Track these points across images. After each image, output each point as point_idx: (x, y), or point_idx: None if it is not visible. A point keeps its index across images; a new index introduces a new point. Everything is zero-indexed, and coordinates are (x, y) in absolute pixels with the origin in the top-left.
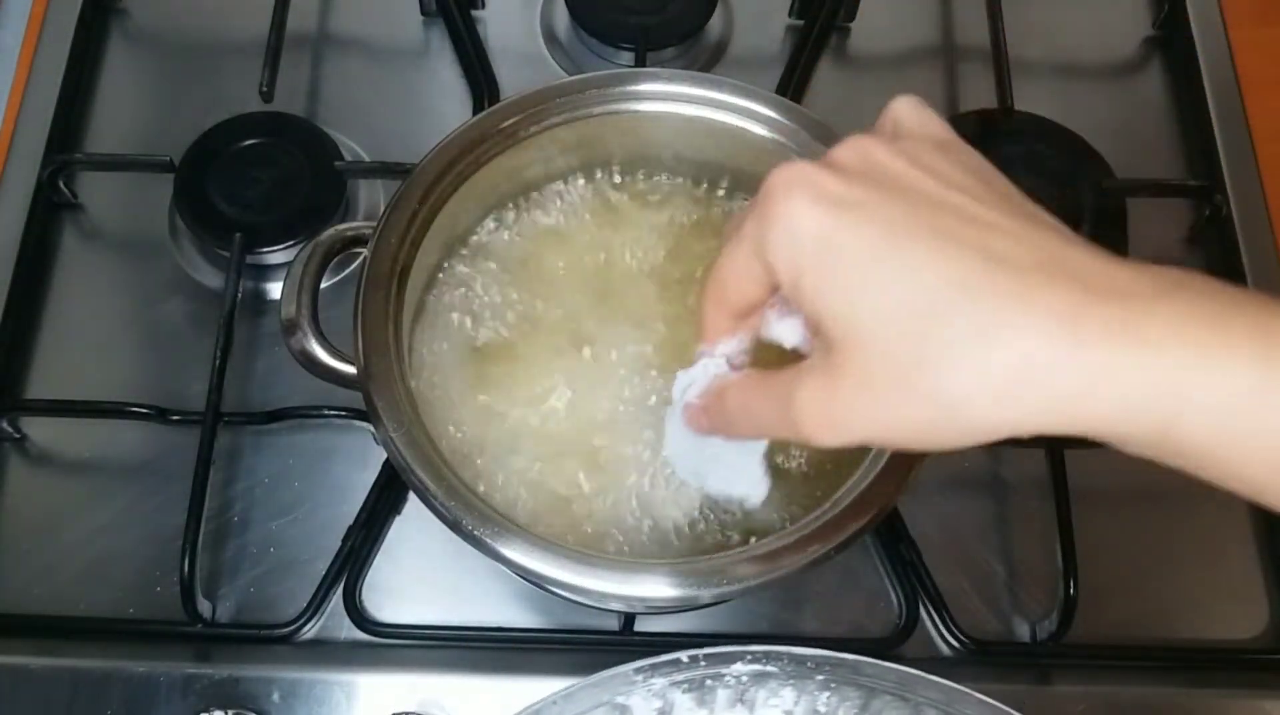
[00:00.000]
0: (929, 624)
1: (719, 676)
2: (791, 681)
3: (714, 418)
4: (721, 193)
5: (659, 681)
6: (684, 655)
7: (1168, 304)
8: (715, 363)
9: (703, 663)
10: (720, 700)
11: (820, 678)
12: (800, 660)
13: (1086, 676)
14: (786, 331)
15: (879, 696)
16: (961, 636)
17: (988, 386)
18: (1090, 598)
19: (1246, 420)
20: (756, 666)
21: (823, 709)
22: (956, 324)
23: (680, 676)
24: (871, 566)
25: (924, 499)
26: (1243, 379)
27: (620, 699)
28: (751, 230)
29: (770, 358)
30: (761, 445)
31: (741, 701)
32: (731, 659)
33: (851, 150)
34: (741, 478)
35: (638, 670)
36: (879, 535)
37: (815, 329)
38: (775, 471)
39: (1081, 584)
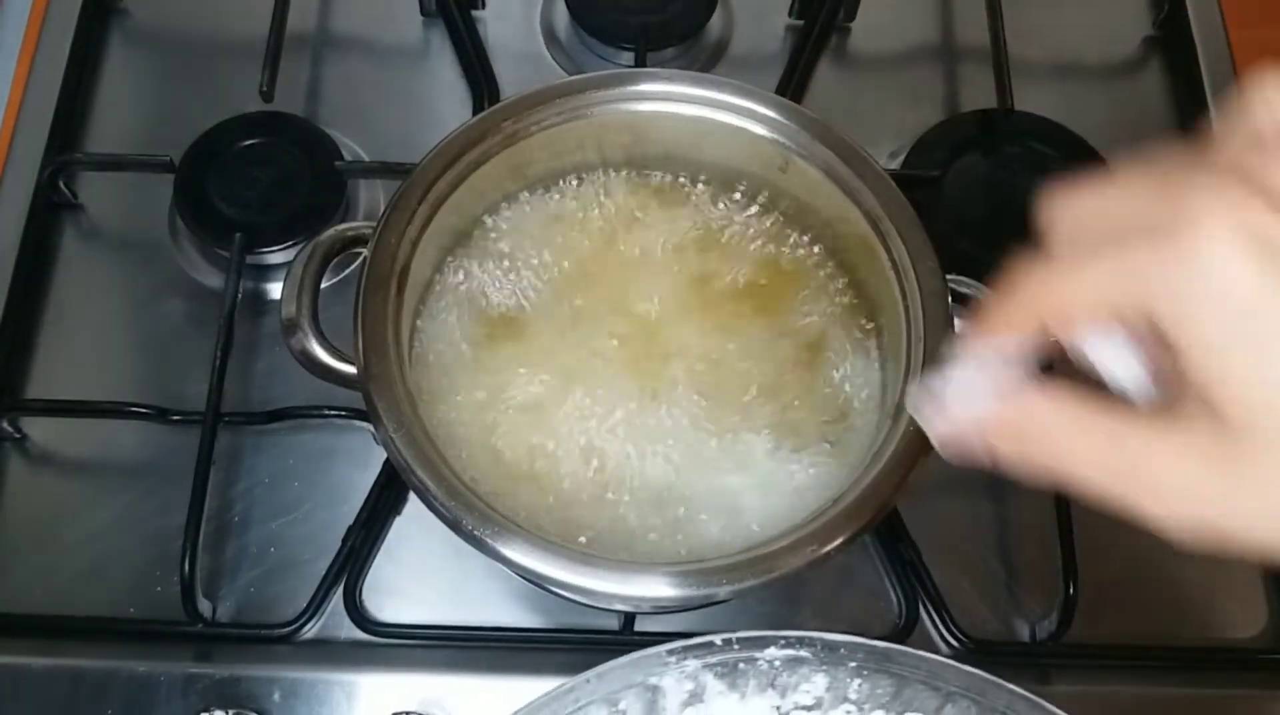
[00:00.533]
0: (929, 624)
1: (751, 661)
2: (824, 668)
3: (1006, 438)
4: (721, 192)
5: (692, 663)
6: (718, 638)
7: None
8: (991, 364)
9: (736, 646)
10: (751, 685)
11: (852, 665)
12: (833, 647)
13: (1086, 676)
14: (1116, 364)
15: (910, 685)
16: (961, 636)
17: None
18: (1090, 598)
19: None
20: (789, 651)
21: (854, 697)
22: None
23: (713, 659)
24: (871, 566)
25: (924, 499)
26: None
27: (653, 680)
28: (1140, 264)
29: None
30: None
31: (773, 686)
32: (765, 643)
33: None
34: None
35: (671, 651)
36: (879, 535)
37: (1198, 395)
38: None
39: (1081, 584)
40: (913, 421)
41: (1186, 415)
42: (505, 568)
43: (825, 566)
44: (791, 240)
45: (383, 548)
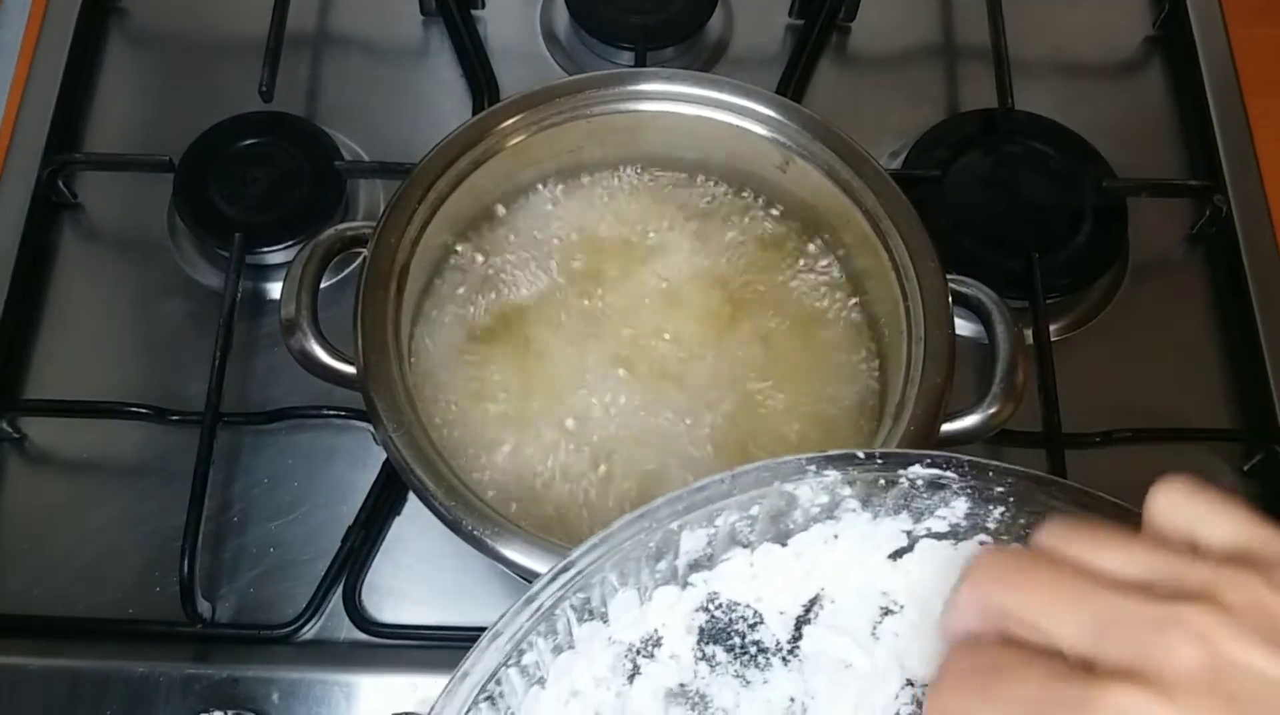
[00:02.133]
0: None
1: (893, 479)
2: (968, 492)
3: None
4: (721, 191)
5: (831, 474)
6: (860, 452)
7: None
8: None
9: (879, 461)
10: (888, 504)
11: (999, 490)
12: (982, 469)
13: None
14: None
15: (1053, 515)
16: None
17: None
18: None
19: None
20: (935, 471)
21: (992, 526)
22: None
23: (854, 472)
24: None
25: None
26: None
27: (789, 486)
28: None
29: None
30: None
31: (908, 509)
32: (909, 461)
33: (1190, 648)
34: None
35: (810, 460)
36: None
37: None
38: None
39: None
40: (912, 421)
41: None
42: (505, 568)
43: None
44: (791, 240)
45: (382, 548)
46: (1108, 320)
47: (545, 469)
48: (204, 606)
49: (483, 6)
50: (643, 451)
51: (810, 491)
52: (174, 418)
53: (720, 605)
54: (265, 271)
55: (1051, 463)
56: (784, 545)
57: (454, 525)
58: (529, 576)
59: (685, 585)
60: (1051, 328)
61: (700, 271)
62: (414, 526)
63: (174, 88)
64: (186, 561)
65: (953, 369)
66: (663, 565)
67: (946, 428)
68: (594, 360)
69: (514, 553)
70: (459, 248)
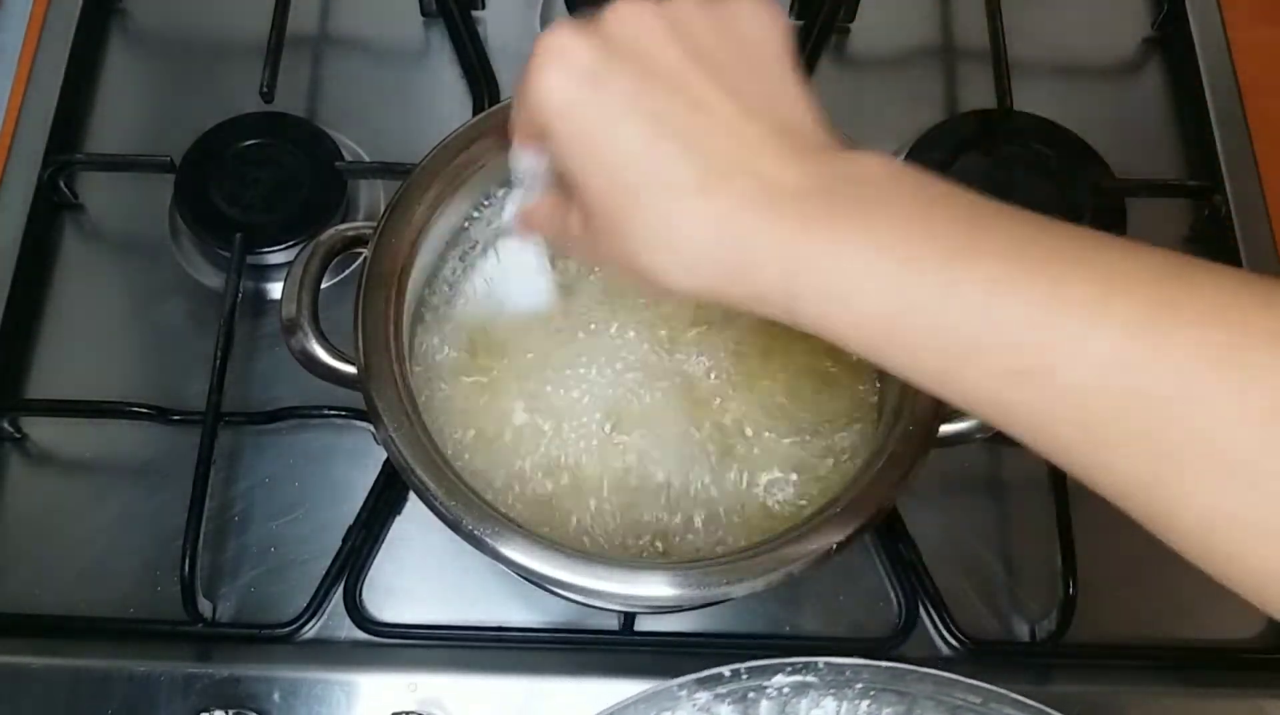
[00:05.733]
0: (928, 624)
1: (760, 689)
2: (831, 691)
3: (523, 223)
4: None
5: (703, 695)
6: (725, 670)
7: (823, 200)
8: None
9: (744, 676)
10: (764, 710)
11: (859, 685)
12: (839, 669)
13: (1086, 676)
14: (539, 168)
15: (920, 703)
16: (961, 636)
17: (674, 262)
18: (1090, 598)
19: (852, 302)
20: (797, 678)
21: None
22: (642, 212)
23: (723, 689)
24: (871, 566)
25: (924, 499)
26: (852, 263)
27: (666, 714)
28: (519, 87)
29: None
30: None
31: (784, 713)
32: (772, 671)
33: (621, 16)
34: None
35: (681, 685)
36: (879, 535)
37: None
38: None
39: (1081, 584)
40: (912, 422)
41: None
42: (505, 568)
43: (825, 566)
44: None
45: (383, 547)
46: None
47: (543, 467)
48: (205, 606)
49: (483, 7)
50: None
51: (689, 713)
52: (175, 417)
53: None
54: (266, 272)
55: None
56: None
57: (454, 525)
58: (529, 576)
59: None
60: None
61: None
62: (414, 526)
63: (175, 88)
64: (187, 561)
65: None
66: None
67: (945, 428)
68: (594, 360)
69: (514, 552)
70: (460, 248)
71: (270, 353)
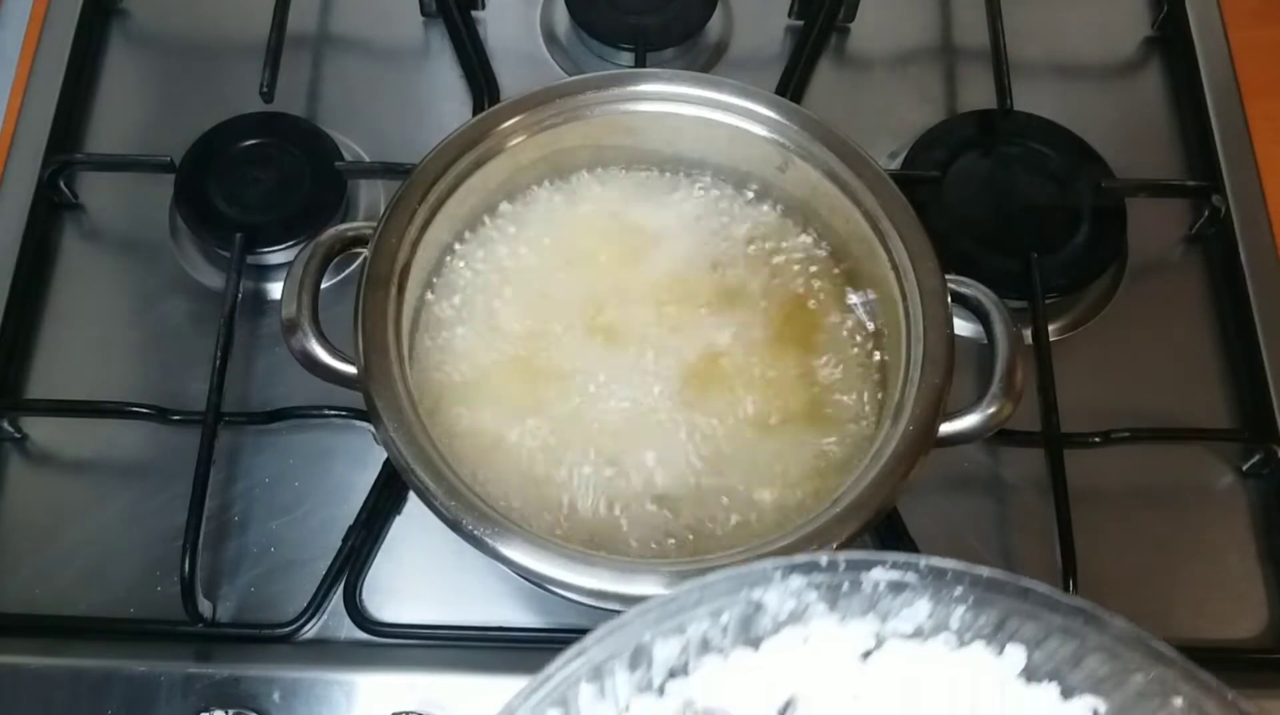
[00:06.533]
0: None
1: (856, 583)
2: (928, 594)
3: None
4: (720, 192)
5: (796, 581)
6: (823, 557)
7: None
8: None
9: (842, 566)
10: (854, 606)
11: (958, 591)
12: (940, 572)
13: None
14: None
15: (1013, 617)
16: None
17: None
18: (1090, 597)
19: None
20: (895, 574)
21: (955, 625)
22: None
23: (818, 578)
24: None
25: (924, 499)
26: None
27: (756, 594)
28: None
29: None
30: None
31: (874, 610)
32: (870, 565)
33: None
34: None
35: (776, 567)
36: (879, 535)
37: None
38: None
39: (1081, 584)
40: (912, 422)
41: None
42: (505, 568)
43: None
44: (790, 240)
45: (383, 547)
46: (1106, 320)
47: (543, 467)
48: (205, 606)
49: (483, 7)
50: (643, 452)
51: (778, 597)
52: (175, 417)
53: (697, 712)
54: (266, 272)
55: (1050, 462)
56: (756, 650)
57: (454, 525)
58: (529, 576)
59: (661, 693)
60: (1050, 328)
61: (699, 271)
62: (414, 526)
63: (175, 88)
64: (187, 561)
65: (952, 369)
66: (637, 674)
67: (945, 428)
68: (594, 360)
69: (514, 552)
70: (460, 248)
71: (270, 353)
